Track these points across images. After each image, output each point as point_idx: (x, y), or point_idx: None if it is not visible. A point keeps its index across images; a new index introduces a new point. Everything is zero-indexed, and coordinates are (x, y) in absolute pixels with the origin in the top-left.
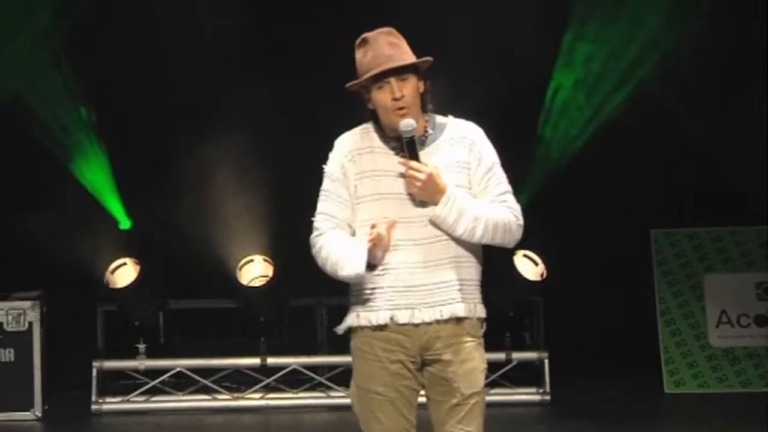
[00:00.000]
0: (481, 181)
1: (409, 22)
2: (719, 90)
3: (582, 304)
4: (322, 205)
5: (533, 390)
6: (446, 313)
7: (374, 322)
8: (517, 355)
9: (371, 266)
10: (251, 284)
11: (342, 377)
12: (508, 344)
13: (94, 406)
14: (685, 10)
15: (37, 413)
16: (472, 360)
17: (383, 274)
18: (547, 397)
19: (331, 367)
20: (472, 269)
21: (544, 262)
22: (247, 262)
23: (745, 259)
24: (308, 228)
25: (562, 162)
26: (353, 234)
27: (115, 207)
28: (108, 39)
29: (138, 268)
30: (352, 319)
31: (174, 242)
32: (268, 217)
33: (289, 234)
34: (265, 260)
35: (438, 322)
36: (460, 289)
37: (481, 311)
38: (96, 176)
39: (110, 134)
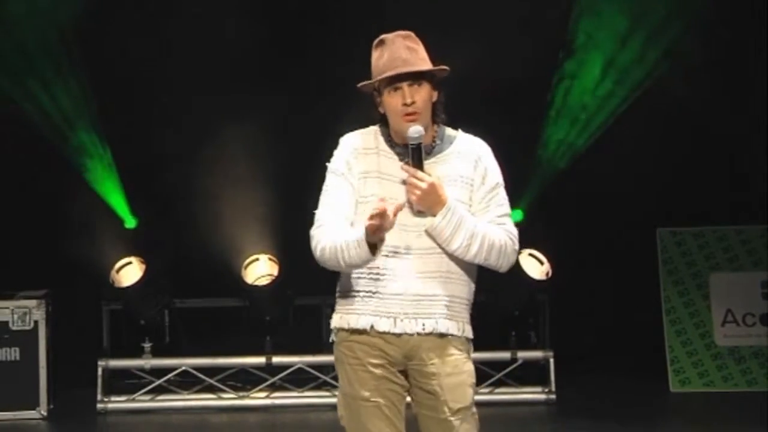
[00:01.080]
0: (482, 200)
1: (415, 22)
2: (727, 88)
3: (587, 303)
4: (324, 200)
5: (539, 389)
6: (428, 326)
7: (353, 326)
8: (522, 354)
9: (373, 247)
10: (256, 283)
11: None
12: (514, 343)
13: (99, 405)
14: (691, 7)
15: (42, 412)
16: (460, 374)
17: (372, 279)
18: (553, 396)
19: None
20: (463, 287)
21: (550, 261)
22: (253, 261)
23: (751, 258)
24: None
25: (567, 161)
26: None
27: (121, 206)
28: (114, 36)
29: (143, 267)
30: (335, 321)
31: (179, 241)
32: (273, 217)
33: (294, 233)
34: (270, 259)
35: (419, 334)
36: (447, 306)
37: (468, 332)
38: (101, 175)
39: (115, 134)
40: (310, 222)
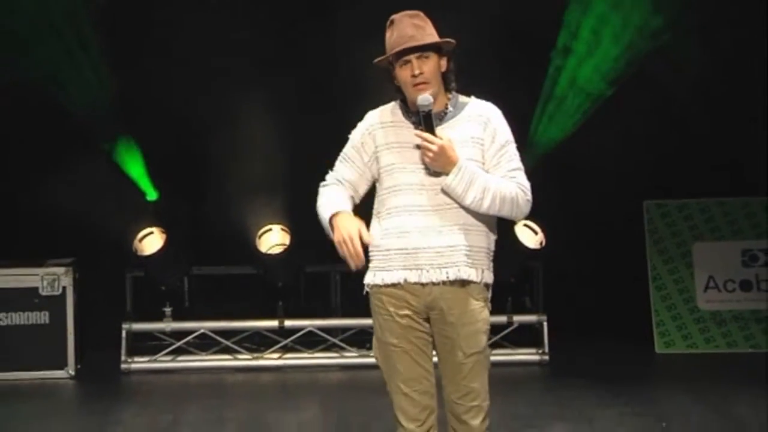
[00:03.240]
0: (494, 157)
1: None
2: (712, 70)
3: (579, 271)
4: (337, 164)
5: (533, 351)
6: (452, 275)
7: (387, 281)
8: (517, 318)
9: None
10: (270, 252)
11: (355, 338)
12: (510, 308)
13: (123, 365)
14: None
15: (70, 372)
16: (476, 323)
17: (398, 237)
18: (546, 357)
19: (344, 329)
20: (481, 237)
21: (543, 231)
22: (266, 232)
23: (732, 228)
24: None
25: (559, 139)
26: (359, 196)
27: (143, 180)
28: (135, 14)
29: (164, 237)
30: (368, 277)
31: (197, 213)
32: (285, 190)
33: (305, 205)
34: (282, 229)
35: (444, 283)
36: (467, 255)
37: (488, 277)
38: (125, 152)
39: (138, 114)
40: (318, 193)
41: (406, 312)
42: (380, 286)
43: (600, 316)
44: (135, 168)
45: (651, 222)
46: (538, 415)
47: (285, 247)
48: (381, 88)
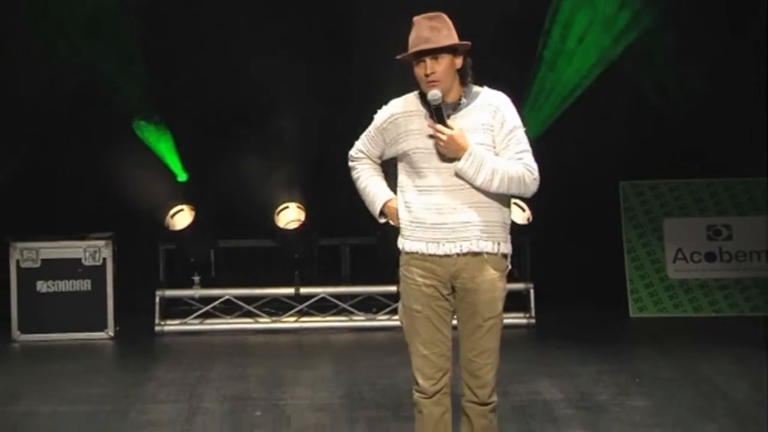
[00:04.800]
0: (503, 141)
1: None
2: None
3: (562, 244)
4: (364, 139)
5: (521, 315)
6: (465, 248)
7: (407, 250)
8: (507, 286)
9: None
10: (287, 227)
11: (362, 304)
12: None
13: (157, 328)
14: None
15: (110, 333)
16: (494, 290)
17: (419, 212)
18: (533, 321)
19: (353, 295)
20: (496, 212)
21: (531, 208)
22: (284, 209)
23: (698, 206)
24: (335, 179)
25: (545, 125)
26: (383, 169)
27: (174, 163)
28: (171, 11)
29: (193, 213)
30: (399, 242)
31: (223, 192)
32: (301, 171)
33: (319, 185)
34: (298, 207)
35: (459, 255)
36: (481, 229)
37: (504, 248)
38: (158, 138)
39: (169, 102)
40: (331, 177)
41: (432, 282)
42: (407, 255)
43: (581, 284)
44: (167, 151)
45: (626, 200)
46: (526, 372)
47: (300, 222)
48: (396, 82)
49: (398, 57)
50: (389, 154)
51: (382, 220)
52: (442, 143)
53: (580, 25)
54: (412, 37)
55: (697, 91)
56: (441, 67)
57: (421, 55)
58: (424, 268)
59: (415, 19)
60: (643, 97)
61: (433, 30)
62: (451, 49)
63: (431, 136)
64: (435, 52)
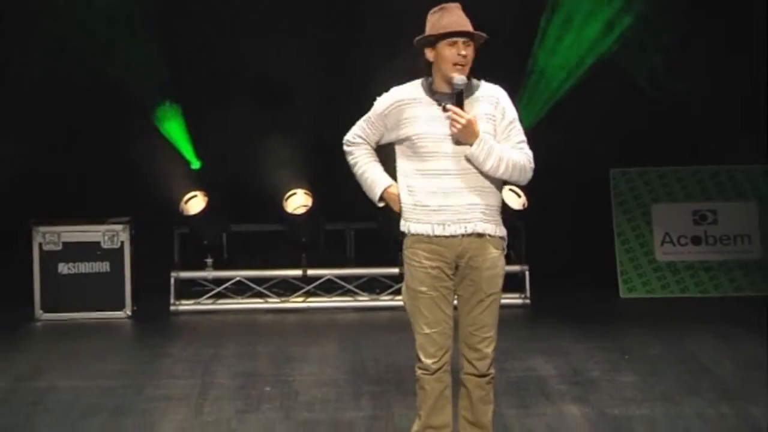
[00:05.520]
0: (504, 131)
1: None
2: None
3: (555, 228)
4: (363, 124)
5: (516, 295)
6: (469, 229)
7: (413, 231)
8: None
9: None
10: (295, 212)
11: (366, 285)
12: None
13: (172, 308)
14: None
15: (127, 312)
16: (495, 268)
17: (425, 195)
18: (528, 301)
19: (357, 277)
20: (495, 197)
21: (526, 194)
22: (292, 195)
23: (684, 192)
24: (341, 167)
25: (539, 116)
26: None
27: (188, 151)
28: (186, 5)
29: (206, 199)
30: (402, 225)
31: (234, 179)
32: (308, 159)
33: (326, 173)
34: (305, 193)
35: (463, 236)
36: (483, 212)
37: (501, 231)
38: (173, 127)
39: (184, 93)
40: (338, 164)
41: (438, 264)
42: (412, 237)
43: (573, 266)
44: (182, 142)
45: (617, 186)
46: (522, 349)
47: (308, 208)
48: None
49: (420, 37)
50: (387, 139)
51: (381, 205)
52: (459, 126)
53: (570, 13)
54: (445, 20)
55: (687, 81)
56: (469, 53)
57: (457, 36)
58: (429, 250)
59: (446, 5)
60: (635, 87)
61: (464, 18)
62: (473, 40)
63: (438, 120)
64: (471, 36)
